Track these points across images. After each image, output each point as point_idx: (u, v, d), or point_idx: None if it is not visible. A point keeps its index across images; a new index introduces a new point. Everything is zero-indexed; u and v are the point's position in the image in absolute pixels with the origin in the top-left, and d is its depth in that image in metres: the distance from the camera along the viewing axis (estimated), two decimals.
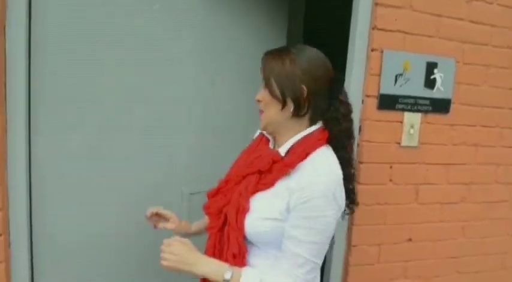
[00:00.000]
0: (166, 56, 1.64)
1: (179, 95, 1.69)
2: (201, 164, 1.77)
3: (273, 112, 1.10)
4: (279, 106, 1.08)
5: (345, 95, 1.12)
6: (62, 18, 1.46)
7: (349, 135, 1.12)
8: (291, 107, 1.07)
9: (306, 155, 1.04)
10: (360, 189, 1.68)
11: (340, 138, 1.10)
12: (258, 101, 1.13)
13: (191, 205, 1.80)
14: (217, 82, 1.78)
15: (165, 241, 1.05)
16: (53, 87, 1.46)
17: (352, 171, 1.16)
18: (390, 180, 1.74)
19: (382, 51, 1.62)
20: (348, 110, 1.11)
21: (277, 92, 1.07)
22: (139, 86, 1.60)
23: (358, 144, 1.67)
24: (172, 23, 1.64)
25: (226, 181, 1.19)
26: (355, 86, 1.63)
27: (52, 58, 1.45)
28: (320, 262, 1.03)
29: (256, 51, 1.78)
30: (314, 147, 1.06)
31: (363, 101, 1.64)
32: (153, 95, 1.63)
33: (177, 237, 1.07)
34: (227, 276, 1.00)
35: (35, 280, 1.51)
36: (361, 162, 1.68)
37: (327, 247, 1.05)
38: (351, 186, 1.16)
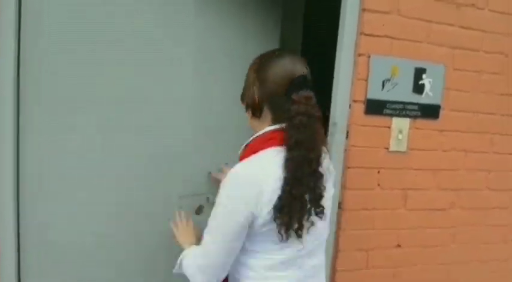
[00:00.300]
0: (166, 56, 1.66)
1: (178, 95, 1.71)
2: (195, 165, 1.79)
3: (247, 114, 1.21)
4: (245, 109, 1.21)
5: (303, 96, 1.07)
6: (62, 18, 1.48)
7: (290, 138, 1.05)
8: (249, 109, 1.18)
9: (252, 152, 1.10)
10: (347, 194, 1.69)
11: (286, 140, 1.06)
12: None
13: (186, 206, 1.79)
14: (209, 82, 1.80)
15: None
16: (53, 87, 1.49)
17: (286, 189, 1.02)
18: (378, 185, 1.73)
19: (369, 56, 1.62)
20: (298, 110, 1.06)
21: (244, 96, 1.21)
22: (138, 86, 1.62)
23: (345, 149, 1.67)
24: (169, 23, 1.66)
25: None
26: (343, 90, 1.63)
27: (52, 58, 1.47)
28: (202, 261, 1.12)
29: (246, 52, 1.74)
30: (263, 146, 1.09)
31: (350, 105, 1.65)
32: (151, 95, 1.65)
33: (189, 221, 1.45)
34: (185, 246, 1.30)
35: (21, 278, 1.53)
36: (348, 167, 1.68)
37: (216, 245, 1.09)
38: (282, 207, 1.02)
